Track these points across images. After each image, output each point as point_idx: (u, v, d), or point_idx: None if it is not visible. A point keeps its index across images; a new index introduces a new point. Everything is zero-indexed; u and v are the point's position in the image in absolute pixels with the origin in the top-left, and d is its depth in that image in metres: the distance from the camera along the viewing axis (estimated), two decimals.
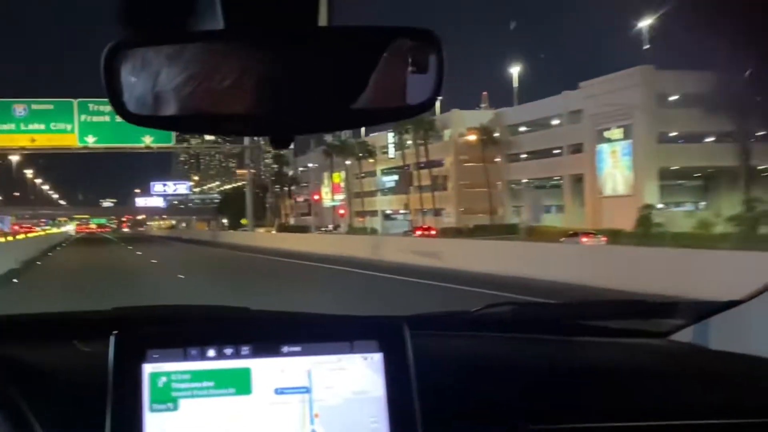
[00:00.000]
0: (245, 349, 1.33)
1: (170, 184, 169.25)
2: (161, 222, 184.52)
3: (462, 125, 74.49)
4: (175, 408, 1.28)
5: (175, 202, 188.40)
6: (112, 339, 1.28)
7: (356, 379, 1.34)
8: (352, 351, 1.36)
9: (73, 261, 36.30)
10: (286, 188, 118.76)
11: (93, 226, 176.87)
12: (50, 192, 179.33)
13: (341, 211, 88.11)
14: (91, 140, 60.12)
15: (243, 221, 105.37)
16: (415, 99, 1.16)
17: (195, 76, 1.10)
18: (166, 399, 1.28)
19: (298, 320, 1.58)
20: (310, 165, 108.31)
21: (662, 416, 1.51)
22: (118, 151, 65.20)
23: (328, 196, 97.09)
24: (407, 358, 1.35)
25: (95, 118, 59.32)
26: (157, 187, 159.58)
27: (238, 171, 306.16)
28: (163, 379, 1.29)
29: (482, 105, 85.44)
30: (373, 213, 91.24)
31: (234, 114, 1.14)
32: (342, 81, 1.14)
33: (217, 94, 1.10)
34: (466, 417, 1.45)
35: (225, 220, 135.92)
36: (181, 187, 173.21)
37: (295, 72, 1.12)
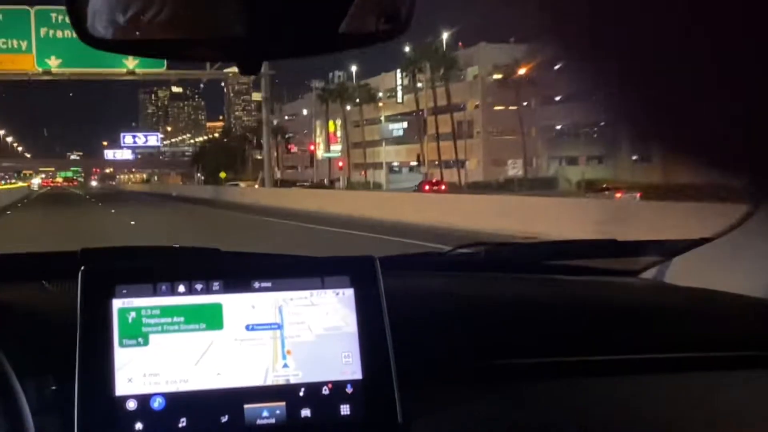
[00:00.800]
0: (216, 285, 1.31)
1: (141, 135, 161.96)
2: (132, 175, 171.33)
3: (489, 62, 63.94)
4: (145, 343, 1.26)
5: (146, 155, 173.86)
6: (80, 274, 1.26)
7: (328, 315, 1.34)
8: (323, 286, 1.34)
9: (31, 227, 24.49)
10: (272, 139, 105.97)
11: (59, 179, 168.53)
12: (14, 144, 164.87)
13: (340, 164, 75.54)
14: (54, 63, 42.75)
15: (222, 175, 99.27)
16: (395, 22, 1.10)
17: (167, 1, 1.03)
18: (136, 334, 1.26)
19: (269, 259, 1.58)
20: (305, 112, 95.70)
21: (632, 350, 1.53)
22: (89, 79, 48.13)
23: (322, 148, 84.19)
24: (379, 292, 1.34)
25: (60, 33, 41.95)
26: (127, 138, 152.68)
27: (209, 124, 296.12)
28: (133, 314, 1.27)
29: (513, 39, 73.04)
30: (377, 165, 78.04)
31: (202, 38, 1.09)
32: (319, 2, 1.08)
33: (184, 16, 1.05)
34: (438, 353, 1.45)
35: (199, 174, 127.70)
36: (152, 139, 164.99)
37: None
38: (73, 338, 1.22)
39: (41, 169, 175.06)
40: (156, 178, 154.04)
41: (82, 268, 1.26)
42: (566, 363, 1.49)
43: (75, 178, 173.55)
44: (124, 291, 1.27)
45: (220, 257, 1.72)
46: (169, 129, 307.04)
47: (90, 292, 1.26)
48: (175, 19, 1.03)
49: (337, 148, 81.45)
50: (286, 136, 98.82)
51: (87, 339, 1.23)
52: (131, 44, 1.09)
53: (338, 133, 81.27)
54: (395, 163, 78.84)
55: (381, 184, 71.20)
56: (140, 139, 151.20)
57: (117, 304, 1.26)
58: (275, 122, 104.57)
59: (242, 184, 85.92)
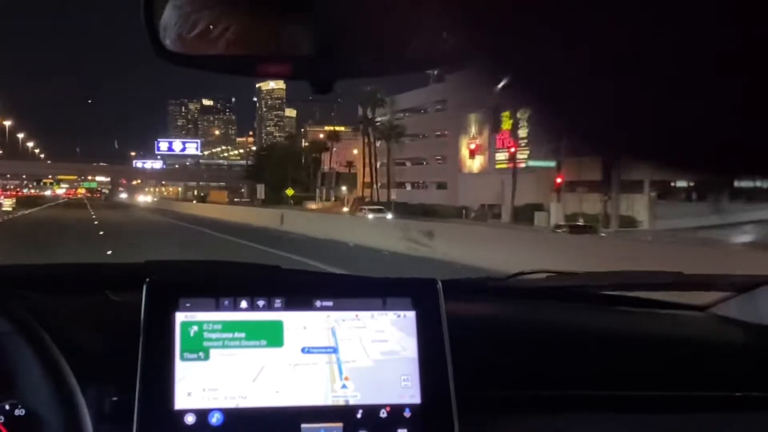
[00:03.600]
0: (278, 302, 1.28)
1: (178, 141, 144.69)
2: (162, 188, 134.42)
3: None
4: (206, 357, 1.24)
5: (182, 165, 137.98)
6: (145, 286, 1.24)
7: (388, 337, 1.29)
8: (384, 308, 1.30)
9: None
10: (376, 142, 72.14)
11: (82, 190, 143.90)
12: (28, 143, 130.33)
13: (557, 180, 39.65)
14: None
15: (289, 192, 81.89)
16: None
17: (238, 16, 1.02)
18: (197, 348, 1.24)
19: (330, 278, 1.55)
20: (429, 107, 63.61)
21: (699, 387, 1.49)
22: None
23: (481, 157, 48.30)
24: (441, 316, 1.30)
25: None
26: (162, 145, 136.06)
27: (239, 139, 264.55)
28: (195, 328, 1.24)
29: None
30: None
31: (275, 56, 1.06)
32: (388, 24, 1.00)
33: (260, 35, 1.03)
34: (498, 380, 1.41)
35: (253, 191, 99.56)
36: (191, 147, 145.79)
37: (340, 13, 1.02)
38: (135, 349, 1.20)
39: (60, 177, 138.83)
40: (196, 193, 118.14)
41: (147, 279, 1.25)
42: (631, 397, 1.44)
43: (99, 189, 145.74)
44: (187, 304, 1.25)
45: (281, 274, 1.69)
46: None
47: (154, 303, 1.24)
48: (246, 35, 1.01)
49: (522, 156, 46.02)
50: (400, 138, 72.71)
51: (149, 351, 1.21)
52: (201, 60, 1.06)
53: (521, 132, 45.62)
54: None
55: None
56: (177, 145, 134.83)
57: (180, 317, 1.24)
58: (380, 118, 69.28)
59: (312, 205, 77.61)
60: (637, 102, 0.39)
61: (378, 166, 75.44)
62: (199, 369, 1.22)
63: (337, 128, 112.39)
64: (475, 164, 60.04)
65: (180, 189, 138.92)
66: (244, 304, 1.26)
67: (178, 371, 1.21)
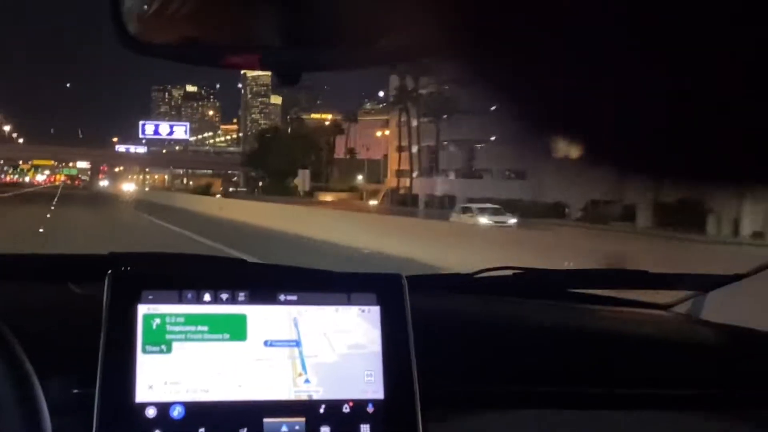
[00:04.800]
0: (242, 295, 1.26)
1: (164, 124, 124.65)
2: (144, 176, 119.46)
3: None
4: (168, 350, 1.22)
5: (169, 151, 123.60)
6: (107, 277, 1.23)
7: (352, 332, 1.29)
8: (349, 303, 1.29)
9: None
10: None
11: (62, 177, 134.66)
12: (13, 134, 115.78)
13: None
14: None
15: (296, 183, 71.57)
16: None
17: (205, 4, 0.99)
18: (159, 341, 1.22)
19: (295, 272, 1.55)
20: None
21: (660, 384, 1.50)
22: None
23: None
24: (405, 311, 1.29)
25: None
26: (148, 128, 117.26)
27: (222, 126, 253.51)
28: (157, 320, 1.23)
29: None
30: None
31: (242, 45, 1.03)
32: (358, 15, 0.99)
33: (228, 24, 1.00)
34: (462, 376, 1.41)
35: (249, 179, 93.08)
36: (179, 130, 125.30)
37: (310, 3, 0.98)
38: (97, 341, 1.19)
39: (35, 163, 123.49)
40: (186, 182, 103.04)
41: (110, 271, 1.23)
42: (591, 394, 1.44)
43: (78, 176, 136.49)
44: (150, 297, 1.23)
45: (246, 268, 1.66)
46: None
47: (116, 295, 1.22)
48: (212, 24, 0.98)
49: None
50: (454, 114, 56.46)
51: (110, 343, 1.20)
52: (167, 49, 1.03)
53: None
54: None
55: None
56: (164, 129, 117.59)
57: (142, 309, 1.22)
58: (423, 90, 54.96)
59: (327, 197, 66.52)
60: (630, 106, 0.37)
61: (415, 150, 60.11)
62: (161, 362, 1.21)
63: (324, 116, 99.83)
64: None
65: (167, 177, 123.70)
66: (207, 297, 1.25)
67: (139, 364, 1.20)
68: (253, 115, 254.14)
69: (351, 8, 0.92)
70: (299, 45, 0.97)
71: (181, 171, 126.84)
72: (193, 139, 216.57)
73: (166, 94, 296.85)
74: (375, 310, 1.29)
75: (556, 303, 1.77)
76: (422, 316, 1.29)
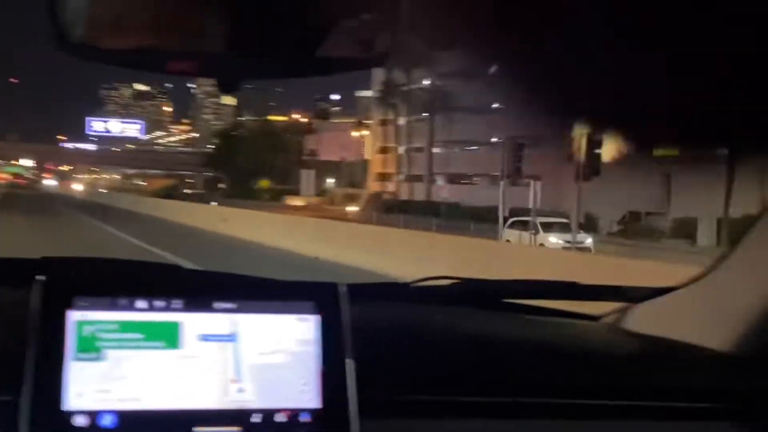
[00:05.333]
0: (177, 303, 1.24)
1: (115, 122, 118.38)
2: (93, 175, 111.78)
3: None
4: (100, 358, 1.20)
5: (124, 150, 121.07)
6: (38, 283, 1.21)
7: (289, 341, 1.28)
8: (287, 311, 1.28)
9: None
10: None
11: (5, 175, 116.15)
12: None
13: None
14: None
15: (263, 184, 68.47)
16: (375, 48, 1.05)
17: (146, 8, 0.97)
18: (91, 348, 1.20)
19: (232, 279, 1.51)
20: None
21: (587, 395, 1.51)
22: None
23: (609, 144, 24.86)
24: (343, 320, 1.29)
25: None
26: (96, 125, 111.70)
27: (172, 127, 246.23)
28: (90, 327, 1.20)
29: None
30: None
31: (183, 52, 1.02)
32: (299, 25, 1.01)
33: (169, 29, 0.98)
34: (398, 385, 1.41)
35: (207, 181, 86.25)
36: (132, 128, 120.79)
37: (251, 11, 0.99)
38: (26, 348, 1.18)
39: None
40: (143, 182, 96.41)
41: (41, 276, 1.21)
42: (521, 404, 1.46)
43: (23, 174, 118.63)
44: (83, 303, 1.21)
45: (181, 274, 1.63)
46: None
47: (47, 301, 1.20)
48: (154, 29, 0.95)
49: None
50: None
51: (40, 349, 1.18)
52: (107, 53, 0.99)
53: None
54: None
55: None
56: (115, 126, 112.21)
57: (74, 316, 1.20)
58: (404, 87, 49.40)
59: (296, 201, 59.13)
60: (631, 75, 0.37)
61: (402, 151, 53.87)
62: (93, 370, 1.19)
63: (275, 118, 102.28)
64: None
65: (118, 177, 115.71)
66: (141, 304, 1.23)
67: (70, 372, 1.18)
68: (205, 116, 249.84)
69: (291, 18, 0.95)
70: (240, 53, 0.96)
71: (131, 171, 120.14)
72: (145, 138, 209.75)
73: (115, 92, 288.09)
74: (313, 319, 1.27)
75: (491, 313, 1.78)
76: (361, 325, 1.29)
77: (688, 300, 1.70)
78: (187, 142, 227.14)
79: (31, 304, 1.18)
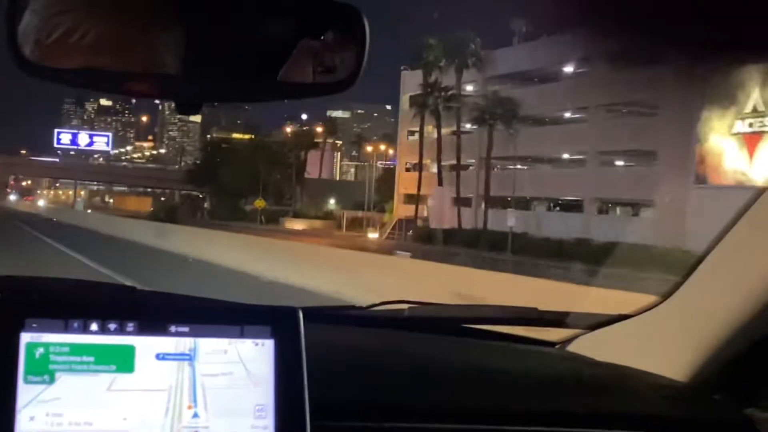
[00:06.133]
0: (130, 326, 1.21)
1: (84, 134, 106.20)
2: (56, 191, 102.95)
3: None
4: (52, 381, 1.17)
5: (90, 165, 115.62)
6: None
7: (244, 365, 1.25)
8: (242, 335, 1.25)
9: None
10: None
11: None
12: None
13: None
14: None
15: (258, 203, 57.49)
16: (337, 75, 1.08)
17: (103, 28, 0.97)
18: (42, 371, 1.17)
19: (188, 301, 1.49)
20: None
21: (540, 422, 1.50)
22: None
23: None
24: (300, 346, 1.27)
25: None
26: (64, 137, 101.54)
27: (137, 143, 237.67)
28: (41, 350, 1.18)
29: None
30: None
31: (141, 73, 1.02)
32: (258, 50, 1.04)
33: (126, 50, 0.98)
34: (355, 411, 1.40)
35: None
36: (100, 141, 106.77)
37: (209, 34, 1.00)
38: None
39: None
40: (109, 200, 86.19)
41: None
42: (472, 431, 1.45)
43: None
44: (34, 325, 1.18)
45: (136, 296, 1.59)
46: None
47: None
48: (111, 49, 0.95)
49: None
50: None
51: None
52: (64, 73, 0.99)
53: None
54: None
55: None
56: (83, 139, 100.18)
57: (25, 338, 1.17)
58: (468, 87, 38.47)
59: (295, 224, 54.85)
60: None
61: (434, 169, 44.47)
62: (44, 393, 1.16)
63: (244, 136, 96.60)
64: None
65: (83, 192, 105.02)
66: (94, 326, 1.19)
67: (20, 395, 1.15)
68: (171, 132, 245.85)
69: (250, 42, 0.95)
70: (197, 76, 0.96)
71: (95, 187, 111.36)
72: (112, 153, 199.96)
73: (79, 107, 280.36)
74: (269, 344, 1.25)
75: (449, 338, 1.76)
76: (318, 350, 1.28)
77: (643, 327, 1.70)
78: (156, 158, 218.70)
79: None
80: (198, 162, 78.04)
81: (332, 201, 66.13)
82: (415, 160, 48.64)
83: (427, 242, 39.96)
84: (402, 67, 50.80)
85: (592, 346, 1.75)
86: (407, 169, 52.08)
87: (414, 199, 48.48)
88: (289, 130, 78.52)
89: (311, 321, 1.29)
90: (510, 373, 1.63)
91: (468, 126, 45.61)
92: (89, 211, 59.91)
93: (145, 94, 1.05)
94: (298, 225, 55.44)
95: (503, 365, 1.67)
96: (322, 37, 1.03)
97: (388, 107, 73.47)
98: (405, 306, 1.76)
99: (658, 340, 1.68)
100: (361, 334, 1.67)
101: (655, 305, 1.69)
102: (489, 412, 1.48)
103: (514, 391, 1.55)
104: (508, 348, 1.78)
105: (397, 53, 60.54)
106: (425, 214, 45.74)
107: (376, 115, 76.60)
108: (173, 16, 0.96)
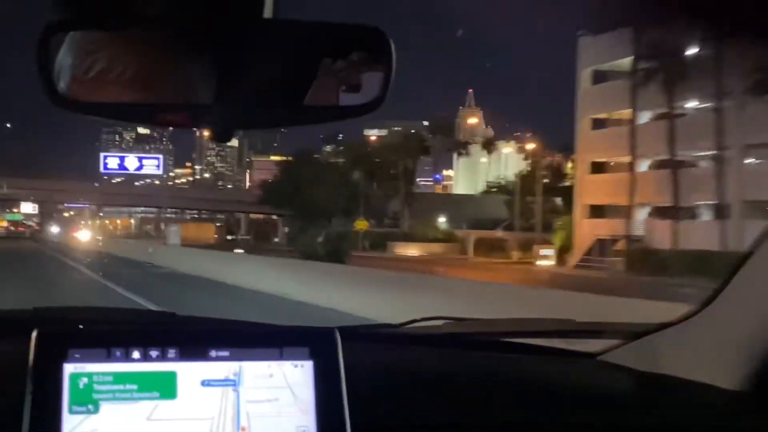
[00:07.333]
0: (171, 352, 1.22)
1: (132, 157, 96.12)
2: (102, 221, 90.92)
3: None
4: (96, 410, 1.17)
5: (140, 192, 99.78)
6: (33, 336, 1.18)
7: (285, 387, 1.25)
8: (282, 357, 1.25)
9: None
10: None
11: (4, 223, 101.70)
12: None
13: None
14: None
15: (360, 224, 46.68)
16: (362, 98, 1.08)
17: (136, 63, 1.00)
18: (87, 401, 1.17)
19: (227, 326, 1.52)
20: None
21: None
22: None
23: None
24: (338, 366, 1.26)
25: None
26: (111, 162, 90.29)
27: (175, 170, 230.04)
28: (84, 380, 1.18)
29: None
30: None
31: (174, 104, 1.04)
32: (286, 76, 1.06)
33: (159, 83, 1.01)
34: (396, 429, 1.38)
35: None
36: (150, 164, 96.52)
37: (238, 64, 1.03)
38: (21, 402, 1.14)
39: None
40: (163, 226, 72.97)
41: (36, 330, 1.18)
42: None
43: (23, 222, 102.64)
44: (77, 355, 1.18)
45: (176, 322, 1.58)
46: None
47: (42, 355, 1.17)
48: (144, 82, 0.97)
49: None
50: None
51: (36, 404, 1.15)
52: (99, 107, 1.01)
53: None
54: None
55: None
56: (131, 162, 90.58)
57: (69, 368, 1.17)
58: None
59: (411, 250, 44.29)
60: None
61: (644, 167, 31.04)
62: (89, 423, 1.16)
63: (281, 157, 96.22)
64: None
65: (132, 222, 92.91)
66: (136, 354, 1.20)
67: (65, 425, 1.15)
68: (209, 158, 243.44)
69: (278, 69, 0.98)
70: (231, 104, 0.97)
71: (141, 214, 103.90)
72: (150, 181, 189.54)
73: (117, 137, 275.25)
74: (308, 365, 1.24)
75: (486, 353, 1.72)
76: (356, 370, 1.27)
77: (687, 335, 1.63)
78: (200, 183, 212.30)
79: (27, 357, 1.15)
80: (275, 180, 65.26)
81: (442, 219, 53.36)
82: (604, 158, 35.69)
83: (657, 272, 26.85)
84: (578, 32, 37.51)
85: (633, 356, 1.67)
86: (594, 171, 37.73)
87: (601, 211, 35.31)
88: (373, 138, 65.95)
89: (347, 340, 1.28)
90: (551, 386, 1.57)
91: (692, 105, 32.37)
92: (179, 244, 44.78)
93: (179, 123, 1.06)
94: (411, 250, 44.13)
95: (544, 379, 1.61)
96: (349, 60, 1.04)
97: (425, 123, 62.16)
98: (440, 322, 1.74)
99: (704, 347, 1.59)
100: (398, 352, 1.63)
101: (697, 312, 1.61)
102: (533, 426, 1.44)
103: (557, 405, 1.49)
104: (547, 362, 1.73)
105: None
106: (625, 230, 32.55)
107: (413, 131, 66.32)
108: (203, 47, 0.98)
